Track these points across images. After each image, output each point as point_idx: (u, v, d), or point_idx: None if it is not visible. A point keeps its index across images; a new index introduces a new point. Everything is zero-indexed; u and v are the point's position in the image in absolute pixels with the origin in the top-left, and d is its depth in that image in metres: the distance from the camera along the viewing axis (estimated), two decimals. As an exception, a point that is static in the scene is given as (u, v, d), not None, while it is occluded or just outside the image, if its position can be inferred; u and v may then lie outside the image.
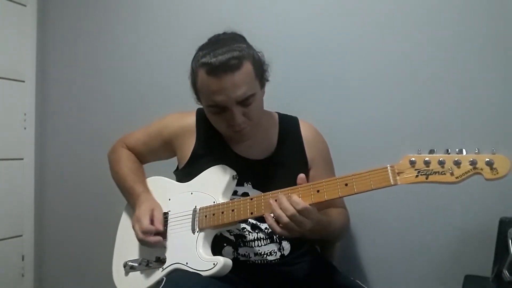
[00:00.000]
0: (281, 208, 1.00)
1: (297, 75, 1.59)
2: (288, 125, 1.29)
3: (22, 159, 2.02)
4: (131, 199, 1.27)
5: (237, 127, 1.13)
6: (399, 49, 1.46)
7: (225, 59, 1.06)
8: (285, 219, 0.99)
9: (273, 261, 1.18)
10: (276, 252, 1.18)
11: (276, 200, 1.02)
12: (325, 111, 1.54)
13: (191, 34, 1.75)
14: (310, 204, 1.00)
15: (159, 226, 1.15)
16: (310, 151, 1.26)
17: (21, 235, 2.02)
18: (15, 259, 2.00)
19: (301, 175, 1.05)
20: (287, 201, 1.00)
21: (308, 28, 1.58)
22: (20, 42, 2.01)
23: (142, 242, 1.16)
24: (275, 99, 1.28)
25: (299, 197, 1.00)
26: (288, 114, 1.33)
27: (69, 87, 2.03)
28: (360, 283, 1.15)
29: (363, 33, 1.51)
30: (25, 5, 2.01)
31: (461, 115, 1.38)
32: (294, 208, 0.98)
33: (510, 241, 1.15)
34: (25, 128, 2.03)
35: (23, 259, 2.02)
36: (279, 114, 1.33)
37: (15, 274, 2.00)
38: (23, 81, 2.02)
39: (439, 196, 1.36)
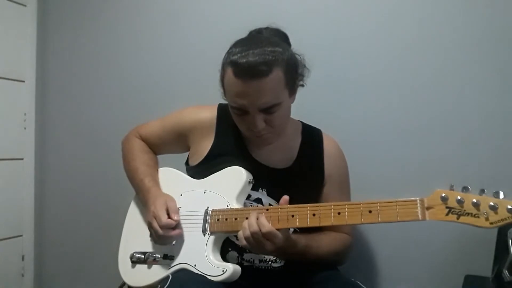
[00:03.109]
0: (247, 222, 1.01)
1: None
2: (311, 137, 1.26)
3: (22, 159, 2.02)
4: (140, 192, 1.25)
5: (257, 132, 1.11)
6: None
7: (254, 63, 1.02)
8: (247, 232, 1.00)
9: (278, 268, 1.18)
10: (281, 259, 1.18)
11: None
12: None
13: (192, 33, 1.78)
14: (329, 226, 0.99)
15: (174, 216, 1.12)
16: (328, 167, 1.23)
17: (21, 235, 2.01)
18: (15, 259, 1.99)
19: (285, 197, 1.05)
20: (255, 219, 1.01)
21: (314, 29, 1.58)
22: (20, 42, 2.00)
23: (162, 238, 1.13)
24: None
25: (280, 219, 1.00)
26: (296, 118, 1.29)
27: (69, 87, 2.03)
28: (360, 283, 1.14)
29: (370, 34, 1.51)
30: (25, 5, 2.01)
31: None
32: (259, 228, 0.99)
33: (510, 241, 1.15)
34: (25, 128, 2.03)
35: (23, 259, 2.02)
36: (303, 123, 1.29)
37: (15, 274, 1.99)
38: (23, 81, 2.01)
39: (439, 196, 1.36)
